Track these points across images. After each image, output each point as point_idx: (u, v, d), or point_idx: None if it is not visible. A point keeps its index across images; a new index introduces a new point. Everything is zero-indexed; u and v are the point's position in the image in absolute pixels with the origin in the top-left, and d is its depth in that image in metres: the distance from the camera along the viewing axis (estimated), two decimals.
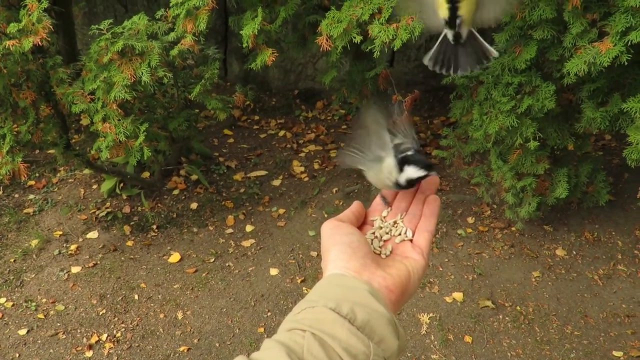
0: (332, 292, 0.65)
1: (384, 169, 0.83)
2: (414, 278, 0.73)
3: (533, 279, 3.84)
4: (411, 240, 0.79)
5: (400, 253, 0.78)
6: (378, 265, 0.72)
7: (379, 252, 0.78)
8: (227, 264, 4.05)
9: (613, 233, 4.22)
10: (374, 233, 0.81)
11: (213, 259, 4.09)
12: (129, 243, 4.25)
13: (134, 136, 3.41)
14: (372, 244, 0.79)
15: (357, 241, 0.73)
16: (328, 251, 0.73)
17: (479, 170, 4.01)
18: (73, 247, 4.19)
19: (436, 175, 0.84)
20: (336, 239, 0.73)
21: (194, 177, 4.91)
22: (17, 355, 3.36)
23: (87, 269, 4.01)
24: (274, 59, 3.08)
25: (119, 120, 3.35)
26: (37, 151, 5.21)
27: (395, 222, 0.82)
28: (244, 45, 3.08)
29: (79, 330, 3.53)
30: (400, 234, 0.80)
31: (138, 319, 3.61)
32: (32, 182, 4.89)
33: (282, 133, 5.73)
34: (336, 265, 0.70)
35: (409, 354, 3.32)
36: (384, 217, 0.83)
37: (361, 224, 0.83)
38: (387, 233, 0.81)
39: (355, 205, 0.82)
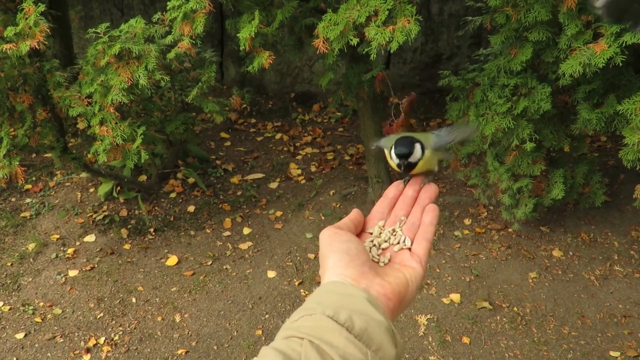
0: (330, 299, 0.65)
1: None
2: (412, 286, 0.73)
3: (530, 280, 3.85)
4: (410, 249, 0.80)
5: (399, 261, 0.78)
6: (376, 273, 0.72)
7: (377, 260, 0.78)
8: (224, 267, 4.05)
9: (609, 234, 4.23)
10: (372, 241, 0.81)
11: (210, 262, 4.09)
12: (126, 246, 4.25)
13: (131, 139, 3.42)
14: (370, 251, 0.79)
15: (356, 249, 0.73)
16: (326, 258, 0.73)
17: (476, 172, 4.02)
18: (70, 250, 4.19)
19: (435, 184, 0.85)
20: (334, 246, 0.73)
21: (191, 180, 4.91)
22: (15, 359, 3.35)
23: (85, 272, 4.01)
24: (270, 61, 3.09)
25: (116, 123, 3.35)
26: (34, 155, 5.20)
27: (393, 230, 0.82)
28: (240, 48, 3.08)
29: (76, 334, 3.52)
30: (398, 243, 0.80)
31: (136, 322, 3.60)
32: (29, 186, 4.89)
33: (278, 136, 5.73)
34: (334, 273, 0.70)
35: (407, 356, 3.32)
36: (383, 225, 0.84)
37: (360, 231, 0.84)
38: (385, 241, 0.81)
39: (354, 213, 0.83)
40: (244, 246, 4.24)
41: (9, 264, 4.09)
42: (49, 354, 3.38)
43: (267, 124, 5.96)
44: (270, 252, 4.18)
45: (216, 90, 6.24)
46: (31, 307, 3.71)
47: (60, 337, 3.50)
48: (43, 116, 3.67)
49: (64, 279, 3.95)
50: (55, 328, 3.57)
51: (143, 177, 4.97)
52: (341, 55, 3.51)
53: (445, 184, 4.87)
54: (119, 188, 4.71)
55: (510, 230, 4.27)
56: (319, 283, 3.88)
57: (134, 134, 3.40)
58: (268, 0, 3.25)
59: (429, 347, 3.38)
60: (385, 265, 0.77)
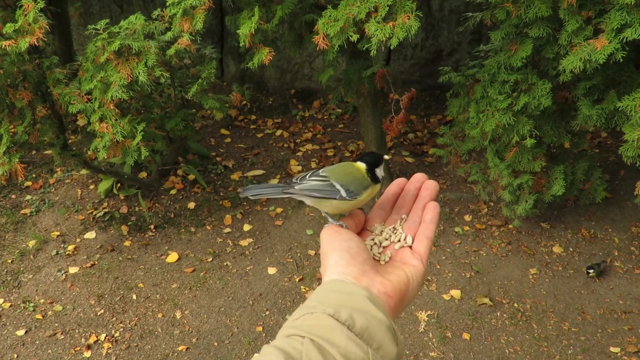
0: (330, 298, 0.65)
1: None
2: (413, 284, 0.73)
3: (530, 276, 3.85)
4: (410, 247, 0.80)
5: (400, 259, 0.78)
6: (377, 271, 0.72)
7: (378, 258, 0.78)
8: (225, 264, 4.05)
9: (609, 230, 4.23)
10: (373, 239, 0.81)
11: (211, 259, 4.09)
12: (127, 243, 4.25)
13: (131, 136, 3.41)
14: (371, 250, 0.79)
15: (356, 247, 0.73)
16: (327, 257, 0.73)
17: (476, 168, 4.02)
18: (70, 247, 4.19)
19: (435, 182, 0.84)
20: (335, 245, 0.74)
21: (192, 176, 4.91)
22: (16, 356, 3.36)
23: (85, 269, 4.01)
24: (270, 58, 3.08)
25: (116, 120, 3.34)
26: (34, 152, 5.20)
27: (394, 229, 0.82)
28: (240, 45, 3.07)
29: (77, 331, 3.53)
30: (399, 241, 0.80)
31: (136, 318, 3.61)
32: (29, 183, 4.88)
33: (279, 132, 5.73)
34: (335, 271, 0.70)
35: (407, 352, 3.33)
36: (384, 223, 0.84)
37: (360, 229, 0.83)
38: (386, 239, 0.81)
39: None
40: (244, 243, 4.24)
41: (9, 261, 4.09)
42: (49, 351, 3.39)
43: (268, 120, 5.95)
44: (270, 249, 4.18)
45: (216, 87, 6.23)
46: (32, 304, 3.71)
47: (61, 333, 3.50)
48: (43, 113, 3.66)
49: (64, 275, 3.95)
50: (56, 325, 3.57)
51: (143, 174, 4.96)
52: (341, 52, 3.51)
53: (445, 180, 4.86)
54: (119, 185, 4.71)
55: (510, 226, 4.27)
56: (319, 279, 3.89)
57: (134, 130, 3.39)
58: None
59: (430, 343, 3.38)
60: (386, 264, 0.77)
